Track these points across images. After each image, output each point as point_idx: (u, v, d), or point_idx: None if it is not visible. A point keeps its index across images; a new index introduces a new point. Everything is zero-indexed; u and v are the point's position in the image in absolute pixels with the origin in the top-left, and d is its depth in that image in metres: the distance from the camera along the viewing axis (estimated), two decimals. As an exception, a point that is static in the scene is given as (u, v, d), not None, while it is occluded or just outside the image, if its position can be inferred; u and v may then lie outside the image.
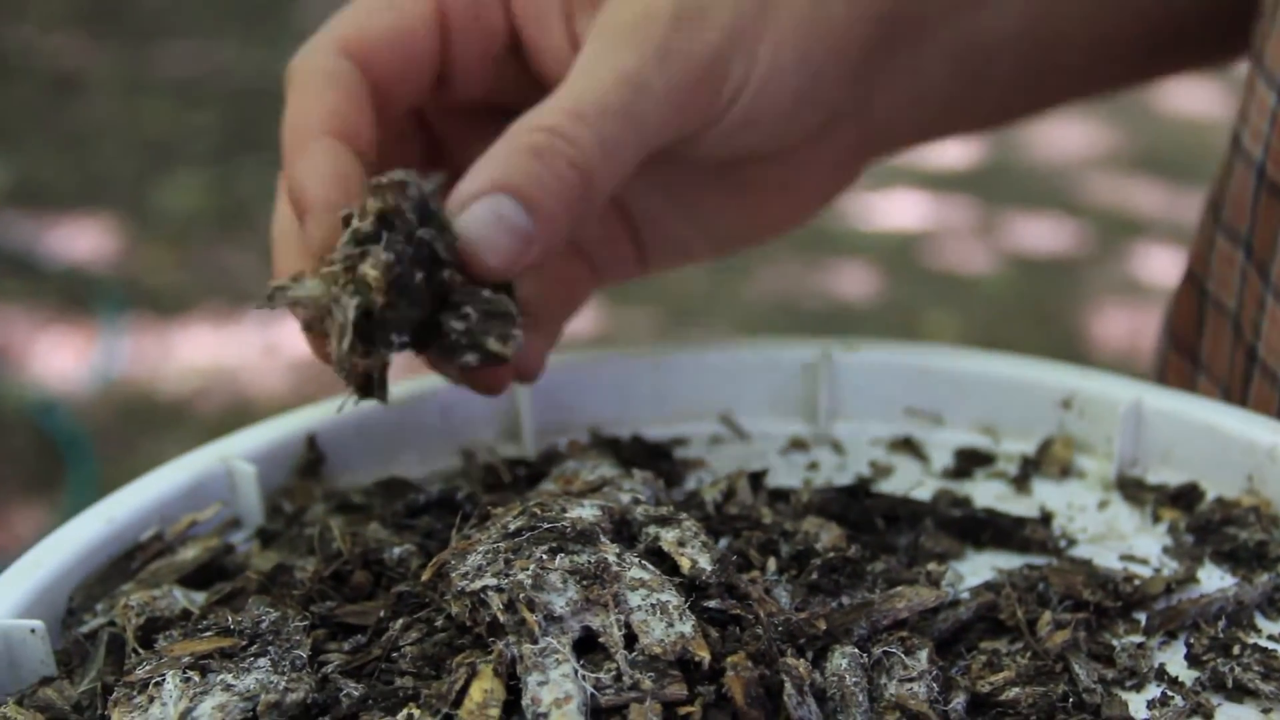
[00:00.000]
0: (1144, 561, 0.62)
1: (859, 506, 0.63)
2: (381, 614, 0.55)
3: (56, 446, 2.53)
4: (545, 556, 0.51)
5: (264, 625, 0.52)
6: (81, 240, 3.15)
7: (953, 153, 3.53)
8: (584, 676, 0.47)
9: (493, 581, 0.50)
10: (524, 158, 0.59)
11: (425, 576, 0.53)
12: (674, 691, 0.48)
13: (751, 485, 0.64)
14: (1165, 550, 0.63)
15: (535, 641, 0.48)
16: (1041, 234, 3.22)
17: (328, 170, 0.60)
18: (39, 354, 2.82)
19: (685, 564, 0.53)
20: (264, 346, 2.82)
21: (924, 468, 0.70)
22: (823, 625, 0.53)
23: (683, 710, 0.48)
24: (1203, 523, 0.63)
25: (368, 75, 0.64)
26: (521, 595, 0.49)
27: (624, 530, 0.56)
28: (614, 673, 0.48)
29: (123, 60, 4.03)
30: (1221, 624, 0.57)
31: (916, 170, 3.47)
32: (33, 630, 0.56)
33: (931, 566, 0.59)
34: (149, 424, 2.61)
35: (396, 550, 0.58)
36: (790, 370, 0.73)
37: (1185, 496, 0.65)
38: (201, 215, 3.27)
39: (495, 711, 0.47)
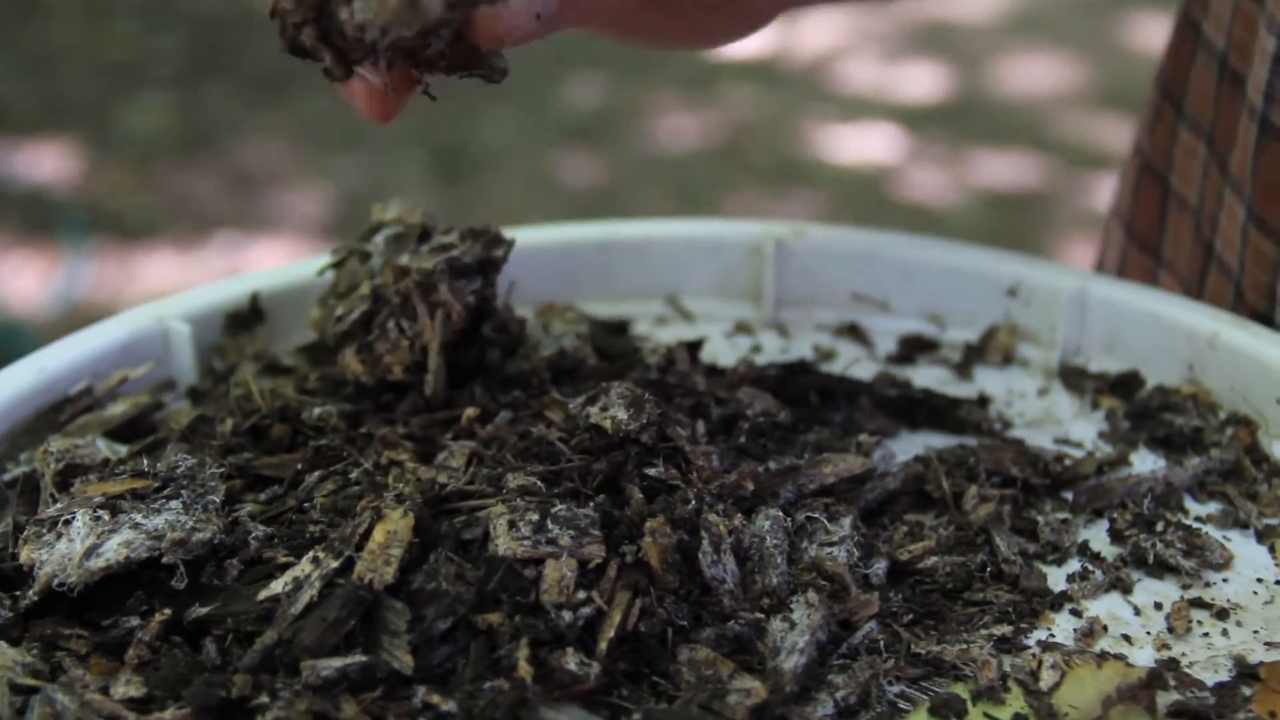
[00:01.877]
0: (1078, 445, 0.61)
1: (795, 383, 0.63)
2: (299, 466, 0.54)
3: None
4: None
5: (179, 470, 0.52)
6: (44, 163, 3.13)
7: (922, 86, 3.51)
8: None
9: None
10: None
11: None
12: (592, 550, 0.48)
13: (689, 356, 0.64)
14: (1101, 435, 0.62)
15: None
16: (1009, 168, 3.21)
17: None
18: (2, 277, 2.80)
19: (607, 424, 0.52)
20: (227, 271, 2.81)
21: (868, 353, 0.69)
22: (750, 486, 0.53)
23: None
24: (1140, 409, 0.63)
25: None
26: None
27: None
28: (534, 525, 0.48)
29: None
30: (1149, 503, 0.56)
31: (885, 103, 3.45)
32: (-48, 474, 0.55)
33: (863, 438, 0.58)
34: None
35: (316, 410, 0.58)
36: (737, 254, 0.72)
37: (1125, 384, 0.65)
38: (166, 139, 3.24)
39: (397, 552, 0.47)
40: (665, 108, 3.34)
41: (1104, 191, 2.96)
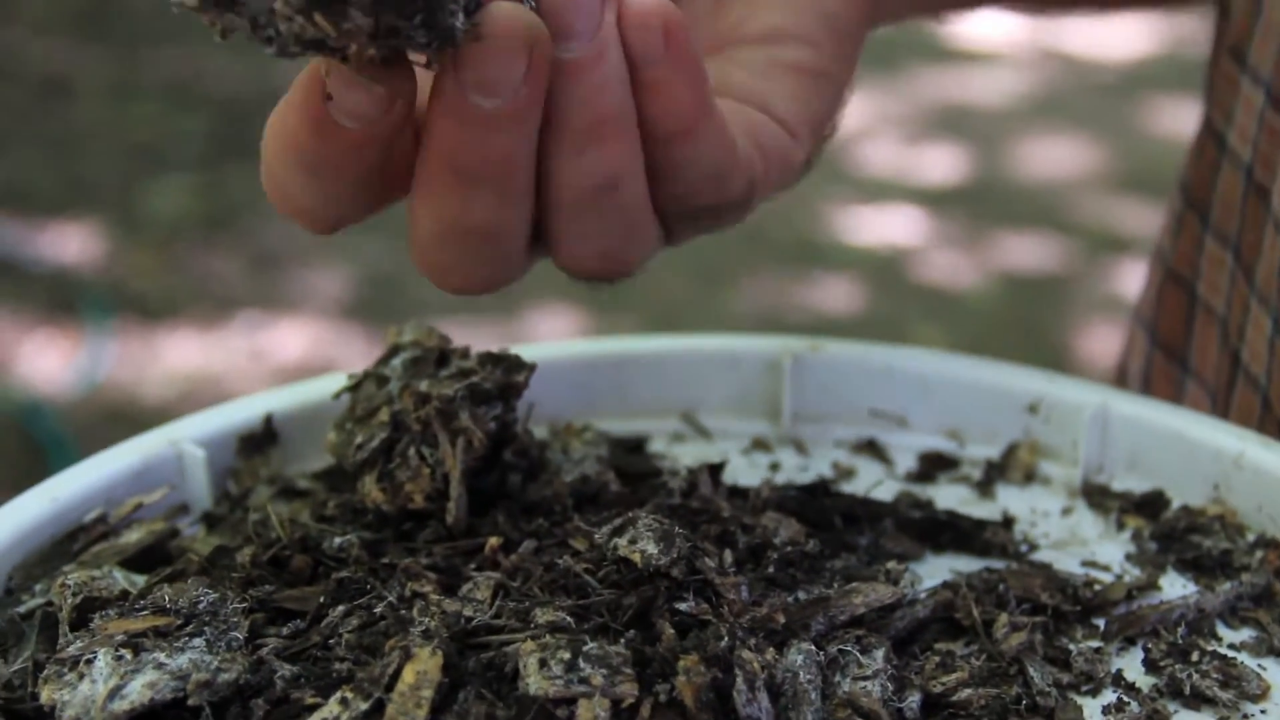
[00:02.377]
0: (1106, 568, 0.61)
1: (818, 505, 0.62)
2: (322, 599, 0.54)
3: (41, 449, 2.52)
4: None
5: (201, 606, 0.51)
6: (68, 244, 3.15)
7: (942, 168, 3.54)
8: None
9: None
10: None
11: None
12: (625, 689, 0.47)
13: (711, 479, 0.63)
14: (1128, 557, 0.62)
15: None
16: (1029, 251, 3.23)
17: None
18: (25, 356, 2.81)
19: (636, 558, 0.52)
20: (250, 353, 2.81)
21: (887, 470, 0.69)
22: (782, 619, 0.52)
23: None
24: (1167, 530, 0.62)
25: None
26: None
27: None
28: (565, 663, 0.47)
29: (111, 64, 4.03)
30: (1182, 631, 0.56)
31: (905, 185, 3.48)
32: (-33, 607, 0.55)
33: (890, 565, 0.58)
34: (134, 428, 2.59)
35: (337, 540, 0.57)
36: (754, 369, 0.71)
37: (1150, 504, 0.64)
38: (188, 220, 3.26)
39: (428, 693, 0.46)
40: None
41: (1124, 275, 2.98)
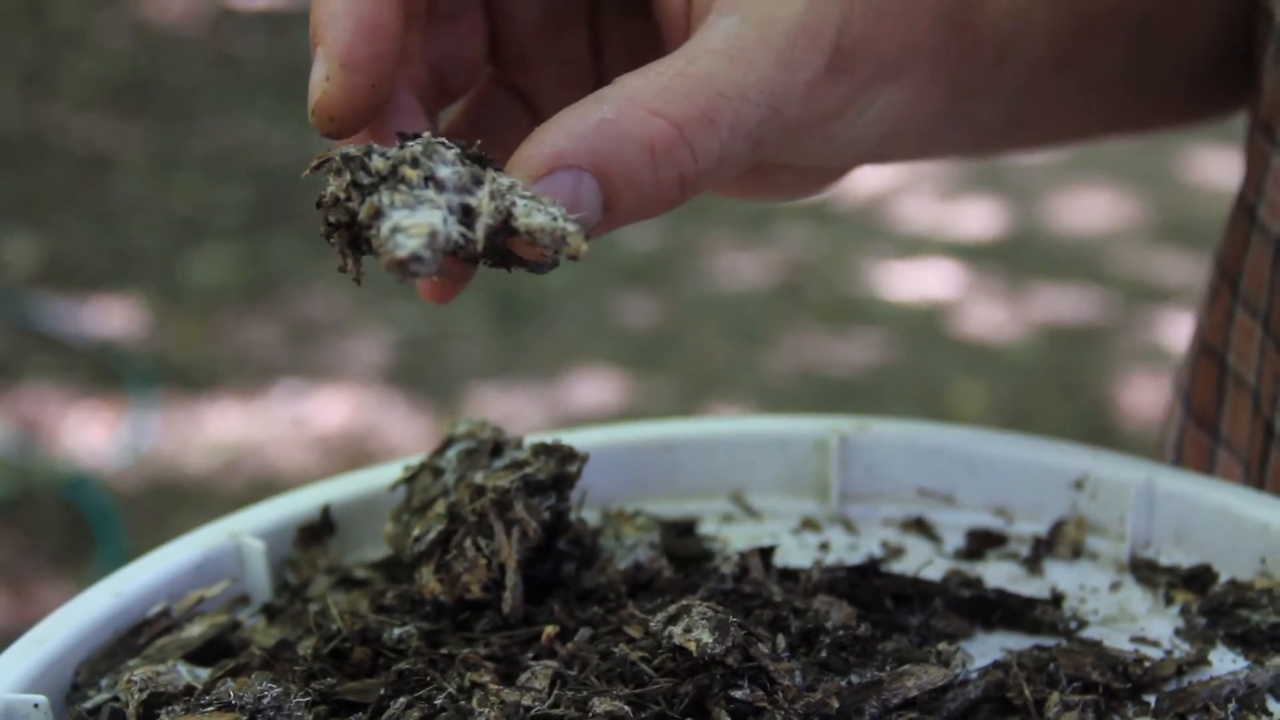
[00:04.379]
0: (1155, 644, 0.61)
1: (869, 586, 0.63)
2: (383, 691, 0.54)
3: (86, 521, 2.54)
4: (447, 147, 0.50)
5: (265, 701, 0.52)
6: (112, 316, 3.18)
7: (979, 223, 3.55)
8: (454, 225, 0.46)
9: (380, 151, 0.49)
10: (635, 150, 0.52)
11: (307, 171, 0.51)
12: None
13: (762, 563, 0.64)
14: (1177, 632, 0.62)
15: (411, 189, 0.47)
16: (1068, 304, 3.23)
17: (362, 14, 0.54)
18: (69, 429, 2.84)
19: (692, 646, 0.52)
20: (292, 421, 2.83)
21: (936, 548, 0.69)
22: (835, 704, 0.53)
23: None
24: (1215, 605, 0.63)
25: None
26: (409, 156, 0.48)
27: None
28: None
29: (153, 138, 4.08)
30: (1232, 707, 0.56)
31: (942, 240, 3.48)
32: (36, 705, 0.56)
33: (941, 646, 0.58)
34: (178, 499, 2.63)
35: (396, 631, 0.58)
36: (802, 449, 0.72)
37: (1198, 579, 0.65)
38: (230, 290, 3.29)
39: None
40: (721, 247, 3.37)
41: (1163, 325, 2.98)
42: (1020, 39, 0.67)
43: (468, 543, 0.60)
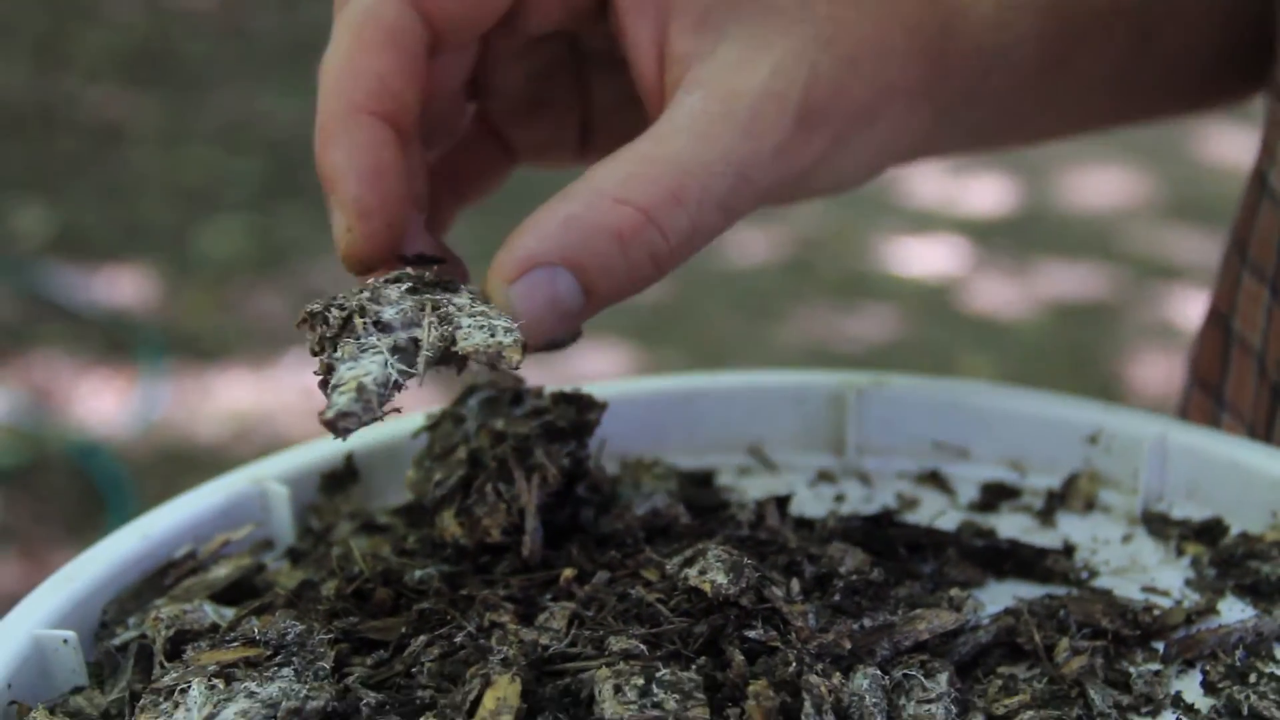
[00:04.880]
0: (1165, 593, 0.62)
1: (883, 535, 0.64)
2: (404, 630, 0.55)
3: (97, 488, 2.56)
4: (394, 287, 0.53)
5: (289, 637, 0.53)
6: (123, 286, 3.18)
7: (990, 199, 3.54)
8: (394, 365, 0.49)
9: (339, 302, 0.52)
10: (604, 240, 0.55)
11: (297, 323, 0.53)
12: (697, 713, 0.49)
13: (778, 511, 0.65)
14: (1187, 583, 0.63)
15: (358, 339, 0.50)
16: (1078, 280, 3.23)
17: (366, 161, 0.57)
18: (81, 397, 2.85)
19: (706, 587, 0.53)
20: (301, 390, 2.85)
21: (950, 500, 0.70)
22: (848, 645, 0.54)
23: None
24: (1226, 556, 0.63)
25: (431, 25, 0.60)
26: (355, 304, 0.51)
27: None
28: (639, 689, 0.49)
29: (164, 110, 4.08)
30: (1240, 654, 0.57)
31: (952, 216, 3.48)
32: (65, 640, 0.57)
33: (954, 592, 0.59)
34: (188, 467, 2.64)
35: (418, 573, 0.59)
36: (818, 404, 0.73)
37: (1209, 531, 0.65)
38: (241, 261, 3.30)
39: (508, 718, 0.48)
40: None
41: (1173, 302, 2.98)
42: (1006, 50, 0.67)
43: (488, 488, 0.61)
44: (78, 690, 0.56)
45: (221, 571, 0.62)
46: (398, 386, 0.50)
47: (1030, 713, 0.53)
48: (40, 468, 2.62)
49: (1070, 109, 0.77)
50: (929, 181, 3.66)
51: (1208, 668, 0.56)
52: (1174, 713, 0.55)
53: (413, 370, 0.50)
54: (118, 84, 4.25)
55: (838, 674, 0.52)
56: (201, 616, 0.58)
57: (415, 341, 0.51)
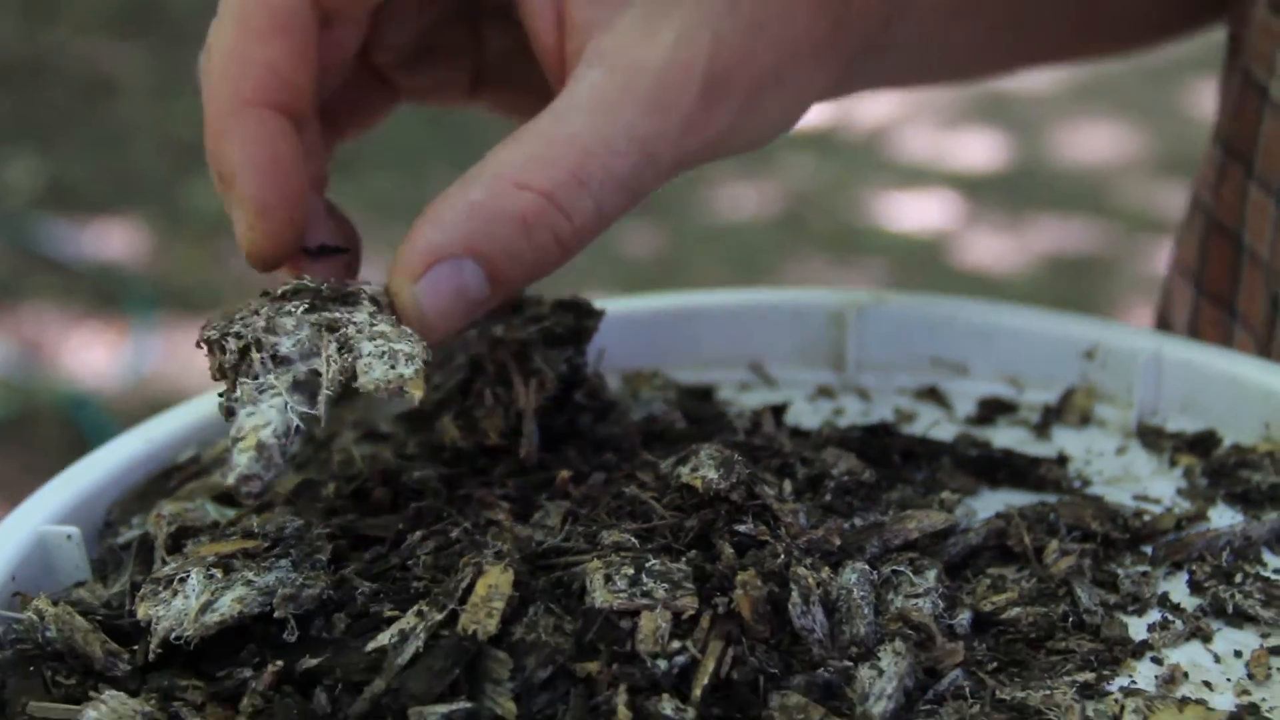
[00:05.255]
0: (1157, 501, 0.63)
1: (878, 443, 0.65)
2: (401, 526, 0.56)
3: (87, 440, 2.56)
4: (292, 310, 0.52)
5: (287, 531, 0.54)
6: (113, 240, 3.19)
7: (981, 154, 3.53)
8: (293, 409, 0.48)
9: (236, 328, 0.51)
10: (509, 226, 0.54)
11: (196, 342, 0.53)
12: (686, 602, 0.49)
13: (774, 419, 0.66)
14: (1179, 492, 0.63)
15: (255, 378, 0.49)
16: (1070, 235, 3.22)
17: (261, 157, 0.57)
18: (72, 350, 2.85)
19: (698, 483, 0.54)
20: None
21: (947, 415, 0.71)
22: (837, 541, 0.54)
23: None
24: (1217, 466, 0.64)
25: (320, 4, 0.59)
26: (252, 336, 0.50)
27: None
28: (629, 578, 0.50)
29: (154, 62, 4.07)
30: (1227, 556, 0.58)
31: (944, 171, 3.47)
32: (68, 536, 0.58)
33: (945, 495, 0.60)
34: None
35: (416, 474, 0.60)
36: (819, 320, 0.74)
37: (1202, 443, 0.66)
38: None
39: (499, 605, 0.49)
40: (724, 177, 3.36)
41: (1164, 257, 2.97)
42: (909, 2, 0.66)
43: (487, 392, 0.61)
44: (80, 584, 0.57)
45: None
46: (299, 430, 0.49)
47: (1017, 609, 0.54)
48: (30, 419, 2.62)
49: (993, 50, 0.77)
50: (920, 136, 3.65)
51: (1194, 569, 0.57)
52: (1160, 611, 0.55)
53: (314, 411, 0.49)
54: (107, 36, 4.24)
55: (826, 568, 0.53)
56: (203, 515, 0.59)
57: (315, 374, 0.50)
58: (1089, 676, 0.51)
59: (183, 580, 0.51)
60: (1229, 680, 0.52)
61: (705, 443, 0.57)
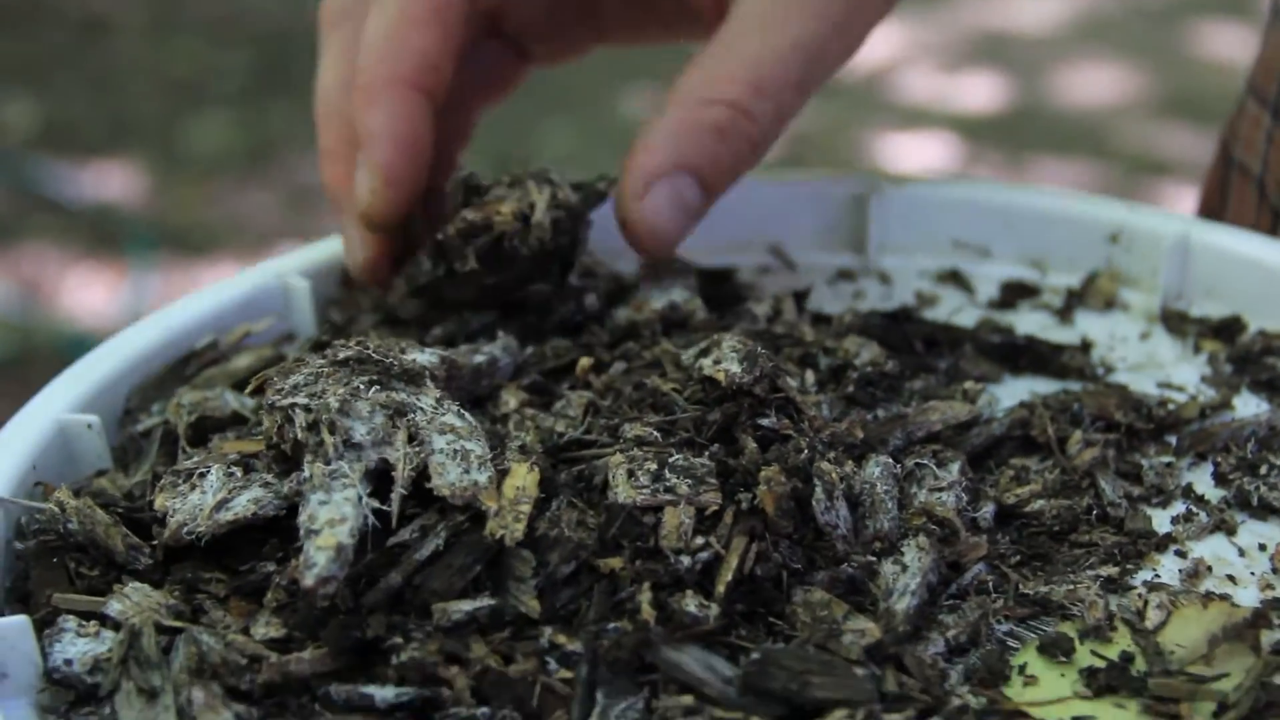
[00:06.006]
0: (1181, 389, 0.62)
1: (900, 330, 0.64)
2: None
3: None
4: (361, 386, 0.51)
5: None
6: (111, 180, 3.16)
7: (982, 96, 3.49)
8: (367, 504, 0.48)
9: (303, 400, 0.50)
10: (707, 137, 0.61)
11: (248, 390, 0.54)
12: (709, 498, 0.49)
13: (796, 305, 0.65)
14: (1203, 379, 0.63)
15: (327, 463, 0.48)
16: (1071, 177, 3.18)
17: (403, 131, 0.62)
18: (70, 290, 2.83)
19: (720, 376, 0.53)
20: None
21: (969, 298, 0.70)
22: (860, 434, 0.54)
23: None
24: (1243, 353, 0.63)
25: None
26: (325, 417, 0.49)
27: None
28: (652, 474, 0.49)
29: (150, 1, 4.01)
30: (1252, 447, 0.57)
31: (945, 113, 3.43)
32: (89, 425, 0.58)
33: (968, 385, 0.59)
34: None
35: (420, 358, 0.59)
36: (840, 202, 0.73)
37: (1227, 328, 0.65)
38: (229, 155, 3.26)
39: (526, 507, 0.48)
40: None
41: (1165, 199, 2.94)
42: None
43: (501, 190, 0.62)
44: (101, 473, 0.57)
45: (243, 362, 0.63)
46: (368, 527, 0.48)
47: (1041, 501, 0.54)
48: (28, 359, 2.60)
49: None
50: (921, 78, 3.60)
51: (1219, 460, 0.57)
52: (1184, 503, 0.55)
53: (386, 508, 0.48)
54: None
55: (850, 462, 0.53)
56: (223, 404, 0.58)
57: (385, 463, 0.49)
58: (1112, 570, 0.51)
59: (202, 475, 0.51)
60: (1253, 574, 0.51)
61: (727, 332, 0.57)
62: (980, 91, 3.53)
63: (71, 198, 3.11)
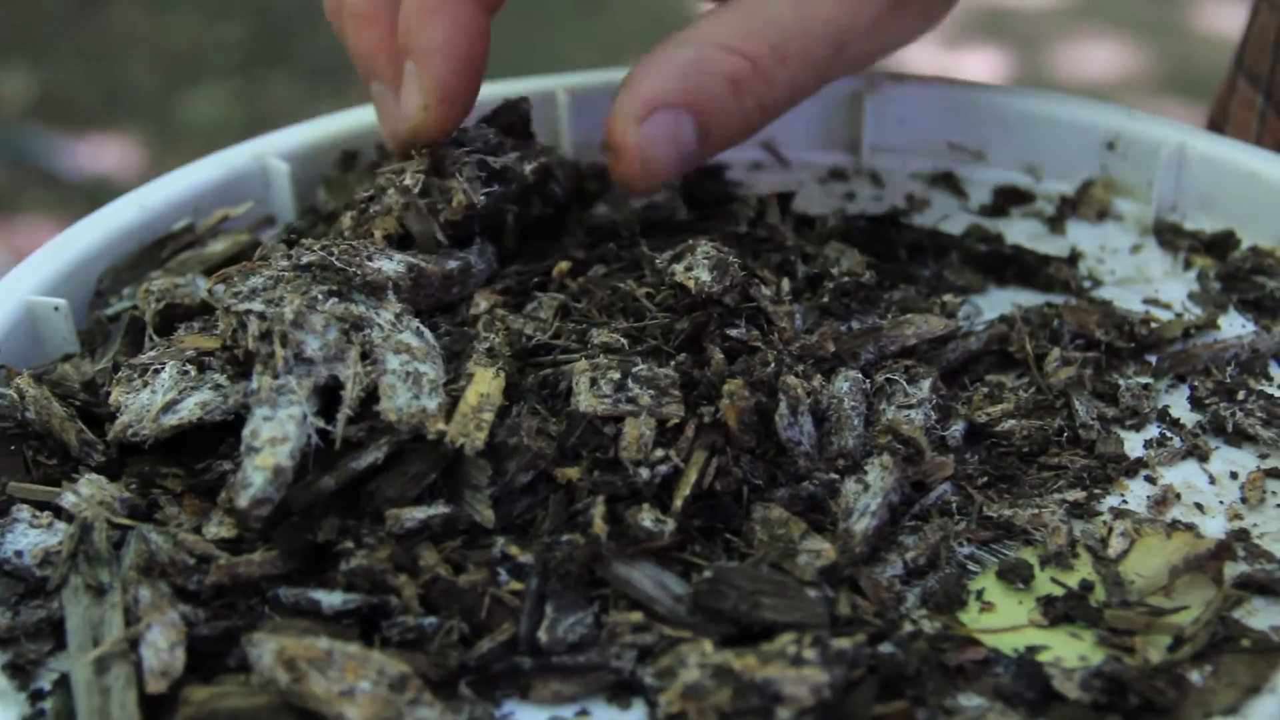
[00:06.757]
0: (1167, 306, 0.61)
1: (885, 236, 0.63)
2: None
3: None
4: (320, 297, 0.50)
5: None
6: (107, 153, 3.13)
7: (983, 71, 3.43)
8: (312, 423, 0.47)
9: (259, 307, 0.49)
10: (720, 84, 0.58)
11: (208, 285, 0.52)
12: (671, 410, 0.49)
13: (780, 208, 0.64)
14: (1191, 296, 0.62)
15: (276, 376, 0.47)
16: None
17: (461, 46, 0.58)
18: None
19: (691, 284, 0.52)
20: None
21: (961, 204, 0.69)
22: (831, 347, 0.53)
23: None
24: (1233, 270, 0.62)
25: None
26: (278, 328, 0.48)
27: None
28: (615, 383, 0.49)
29: None
30: (1232, 370, 0.56)
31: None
32: (56, 308, 0.57)
33: (947, 298, 0.58)
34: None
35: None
36: (835, 100, 0.71)
37: (1220, 244, 0.64)
38: (227, 128, 3.22)
39: (489, 416, 0.48)
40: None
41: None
42: None
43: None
44: (68, 358, 0.56)
45: (219, 247, 0.62)
46: (311, 447, 0.47)
47: (1012, 421, 0.53)
48: None
49: None
50: (924, 53, 3.53)
51: (1197, 383, 0.56)
52: (1159, 427, 0.54)
53: (332, 430, 0.47)
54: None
55: (819, 376, 0.52)
56: (194, 291, 0.57)
57: (336, 379, 0.48)
58: (1080, 495, 0.51)
59: (156, 372, 0.51)
60: (1222, 503, 0.51)
61: (704, 236, 0.56)
62: (981, 67, 3.48)
63: (68, 170, 3.09)
